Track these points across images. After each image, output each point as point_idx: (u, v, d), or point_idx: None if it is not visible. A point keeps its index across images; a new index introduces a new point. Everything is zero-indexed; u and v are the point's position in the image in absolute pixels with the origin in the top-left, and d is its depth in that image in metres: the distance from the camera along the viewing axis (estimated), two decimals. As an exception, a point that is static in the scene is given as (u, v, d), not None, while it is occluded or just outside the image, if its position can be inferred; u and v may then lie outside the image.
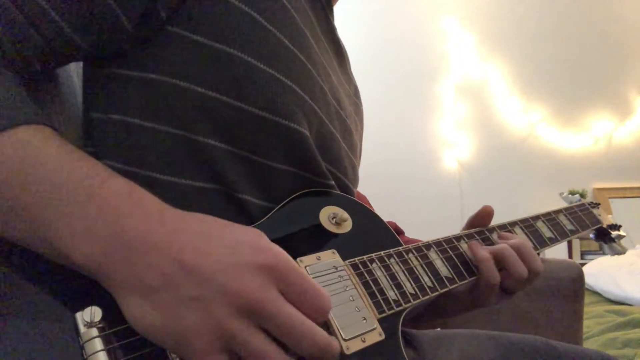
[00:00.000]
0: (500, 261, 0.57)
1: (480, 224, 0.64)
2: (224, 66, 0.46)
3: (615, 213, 2.95)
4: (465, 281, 0.56)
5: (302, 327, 0.33)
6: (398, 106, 3.01)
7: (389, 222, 1.24)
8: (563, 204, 0.84)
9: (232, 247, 0.34)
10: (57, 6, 0.41)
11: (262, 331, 0.33)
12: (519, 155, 3.06)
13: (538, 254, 0.62)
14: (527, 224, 0.68)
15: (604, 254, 0.86)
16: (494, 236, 0.63)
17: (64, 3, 0.41)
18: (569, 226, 0.74)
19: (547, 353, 0.60)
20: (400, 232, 1.27)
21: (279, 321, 0.33)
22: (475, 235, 0.62)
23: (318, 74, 0.55)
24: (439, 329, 0.81)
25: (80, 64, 0.56)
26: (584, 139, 3.11)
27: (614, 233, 0.83)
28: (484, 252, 0.57)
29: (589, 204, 0.83)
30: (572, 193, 2.83)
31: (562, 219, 0.74)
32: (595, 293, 2.03)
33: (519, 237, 0.63)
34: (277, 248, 0.35)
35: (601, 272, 2.02)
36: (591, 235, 0.84)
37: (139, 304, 0.32)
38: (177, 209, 0.37)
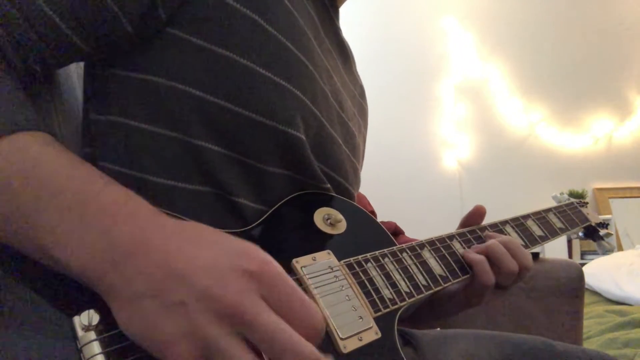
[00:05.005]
0: (491, 259, 0.58)
1: (473, 222, 0.66)
2: (223, 70, 0.46)
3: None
4: (459, 279, 0.56)
5: (284, 337, 0.31)
6: (398, 106, 3.00)
7: (389, 222, 1.24)
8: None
9: (220, 253, 0.33)
10: (57, 8, 0.41)
11: (242, 339, 0.31)
12: (519, 155, 3.06)
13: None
14: (518, 223, 0.69)
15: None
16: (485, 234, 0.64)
17: (63, 4, 0.41)
18: (558, 224, 0.75)
19: (547, 353, 0.60)
20: (400, 232, 1.27)
21: (258, 328, 0.31)
22: (468, 234, 0.62)
23: (320, 77, 0.55)
24: (438, 329, 0.81)
25: (81, 64, 0.56)
26: (584, 139, 3.10)
27: (602, 231, 0.85)
28: (476, 255, 0.58)
29: (577, 203, 0.85)
30: (572, 193, 2.83)
31: (552, 217, 0.75)
32: (595, 293, 2.03)
33: (507, 236, 0.65)
34: (267, 257, 0.34)
35: (601, 272, 2.02)
36: (580, 234, 0.85)
37: (126, 309, 0.32)
38: (172, 217, 0.37)
